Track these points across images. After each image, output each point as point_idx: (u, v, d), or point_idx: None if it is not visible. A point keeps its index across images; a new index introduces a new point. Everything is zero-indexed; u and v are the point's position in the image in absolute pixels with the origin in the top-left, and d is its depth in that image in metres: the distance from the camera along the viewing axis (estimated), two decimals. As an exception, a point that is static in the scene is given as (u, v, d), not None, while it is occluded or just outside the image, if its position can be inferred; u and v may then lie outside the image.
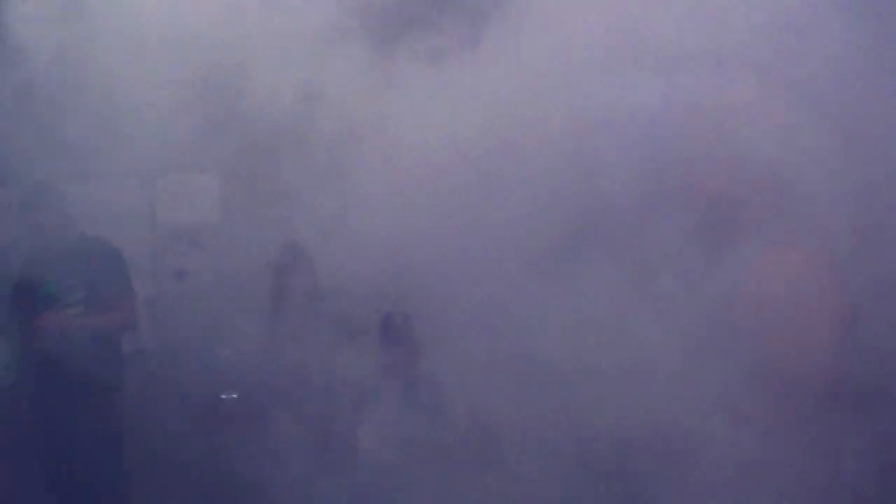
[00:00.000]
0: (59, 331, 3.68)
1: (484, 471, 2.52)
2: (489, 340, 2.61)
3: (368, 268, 3.09)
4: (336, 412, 3.43)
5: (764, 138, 2.17)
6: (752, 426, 1.76)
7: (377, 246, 2.95)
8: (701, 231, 2.16)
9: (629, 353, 2.07)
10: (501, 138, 2.72)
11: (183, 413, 3.96)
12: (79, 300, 3.75)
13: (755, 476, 1.82)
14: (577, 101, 2.62)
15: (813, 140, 2.29)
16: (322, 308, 3.72)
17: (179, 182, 4.67)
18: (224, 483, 3.40)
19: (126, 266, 3.95)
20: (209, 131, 3.10)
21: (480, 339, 2.65)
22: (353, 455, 3.28)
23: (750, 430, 1.77)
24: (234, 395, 3.73)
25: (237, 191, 4.36)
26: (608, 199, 2.46)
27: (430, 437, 2.85)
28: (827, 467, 2.02)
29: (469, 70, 2.80)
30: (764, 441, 1.78)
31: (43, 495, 3.60)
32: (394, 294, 3.30)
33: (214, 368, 3.89)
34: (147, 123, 3.09)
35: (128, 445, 3.80)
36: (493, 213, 2.73)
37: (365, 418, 3.40)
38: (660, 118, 2.46)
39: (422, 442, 2.83)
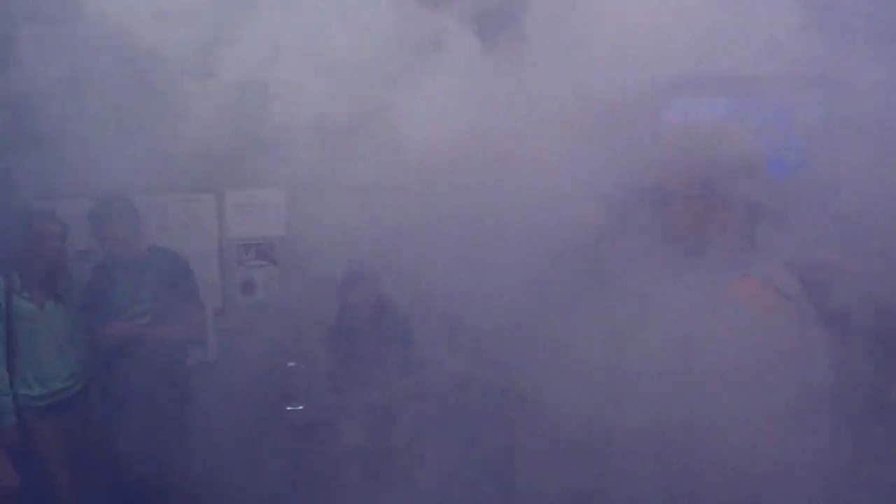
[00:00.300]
0: (126, 340, 3.67)
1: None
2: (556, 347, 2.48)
3: (434, 276, 3.01)
4: (398, 424, 3.36)
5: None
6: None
7: (446, 254, 2.87)
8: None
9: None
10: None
11: (248, 425, 3.92)
12: (146, 311, 3.75)
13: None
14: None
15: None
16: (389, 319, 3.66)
17: (248, 195, 4.67)
18: (288, 494, 3.33)
19: (194, 277, 3.95)
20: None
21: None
22: (417, 466, 3.19)
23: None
24: (300, 408, 3.66)
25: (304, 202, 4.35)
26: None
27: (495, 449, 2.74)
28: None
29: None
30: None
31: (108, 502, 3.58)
32: (462, 303, 3.19)
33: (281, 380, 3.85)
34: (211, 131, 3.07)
35: (193, 455, 3.76)
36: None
37: (427, 430, 3.32)
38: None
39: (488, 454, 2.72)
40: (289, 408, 3.71)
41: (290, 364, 3.87)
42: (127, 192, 3.79)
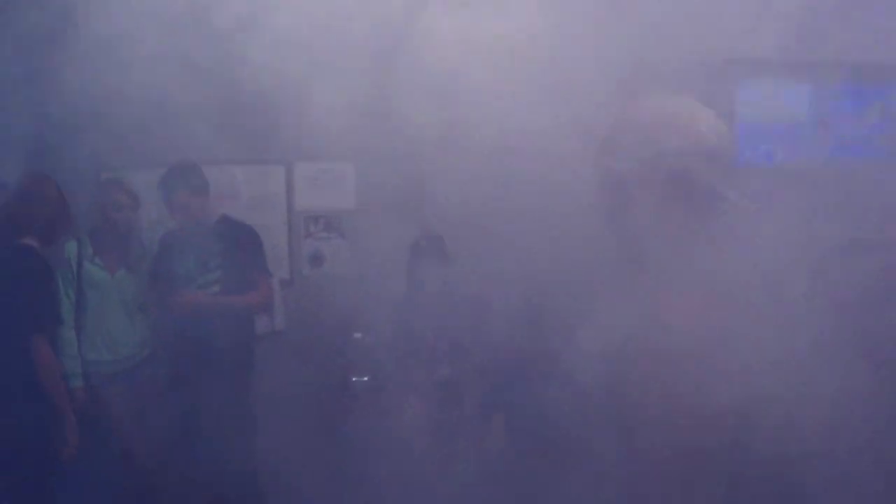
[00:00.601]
0: (196, 309, 3.68)
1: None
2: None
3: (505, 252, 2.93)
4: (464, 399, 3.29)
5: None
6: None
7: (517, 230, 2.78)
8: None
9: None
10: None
11: (314, 395, 3.91)
12: (216, 280, 3.75)
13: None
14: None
15: None
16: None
17: (317, 167, 4.64)
18: (351, 465, 3.29)
19: (263, 248, 3.94)
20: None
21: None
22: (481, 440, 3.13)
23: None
24: (365, 379, 3.62)
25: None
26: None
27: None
28: None
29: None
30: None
31: (175, 470, 3.60)
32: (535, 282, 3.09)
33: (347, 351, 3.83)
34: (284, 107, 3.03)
35: (258, 425, 3.78)
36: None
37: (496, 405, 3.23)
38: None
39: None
40: (354, 378, 3.68)
41: (357, 335, 3.83)
42: (197, 161, 3.80)
